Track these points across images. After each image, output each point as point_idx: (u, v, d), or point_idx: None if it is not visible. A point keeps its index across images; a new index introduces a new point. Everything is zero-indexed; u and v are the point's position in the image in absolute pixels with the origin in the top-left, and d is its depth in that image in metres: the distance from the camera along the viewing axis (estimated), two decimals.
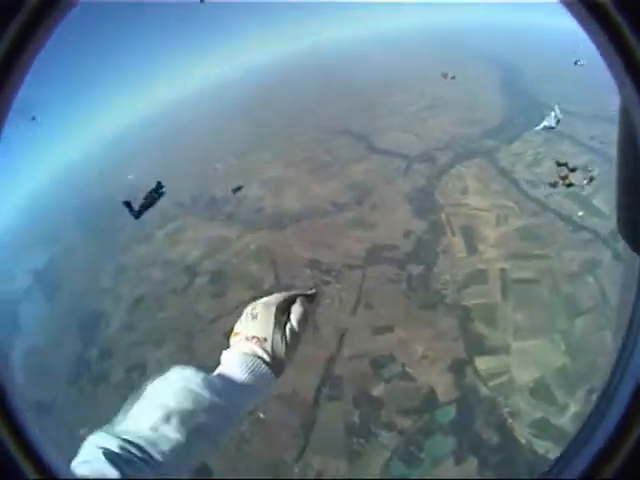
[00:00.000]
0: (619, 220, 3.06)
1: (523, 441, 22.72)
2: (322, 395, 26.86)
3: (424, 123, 57.84)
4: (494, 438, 23.10)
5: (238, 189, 42.94)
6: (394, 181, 46.94)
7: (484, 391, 24.96)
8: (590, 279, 29.66)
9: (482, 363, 25.93)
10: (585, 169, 36.49)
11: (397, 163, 49.28)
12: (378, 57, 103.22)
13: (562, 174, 33.22)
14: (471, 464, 22.77)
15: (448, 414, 24.36)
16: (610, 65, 1.95)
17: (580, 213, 34.76)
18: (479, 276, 31.98)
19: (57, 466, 1.98)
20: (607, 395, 1.97)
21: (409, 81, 73.22)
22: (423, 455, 23.30)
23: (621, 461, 1.75)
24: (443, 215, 39.53)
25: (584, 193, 35.47)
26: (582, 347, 26.03)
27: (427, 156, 50.02)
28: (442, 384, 25.95)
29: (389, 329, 29.44)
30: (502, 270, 31.70)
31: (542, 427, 23.09)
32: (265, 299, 2.52)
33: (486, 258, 33.26)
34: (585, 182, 39.70)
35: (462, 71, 60.46)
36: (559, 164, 32.09)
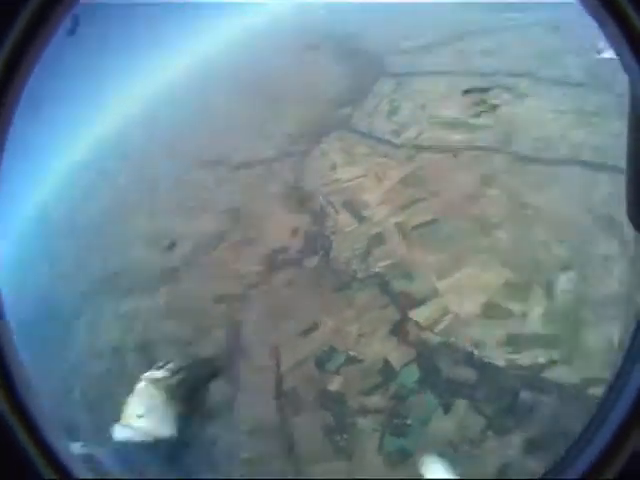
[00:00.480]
0: (630, 212, 3.76)
1: (502, 363, 21.54)
2: (285, 414, 25.65)
3: (270, 123, 58.37)
4: (470, 375, 22.00)
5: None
6: (261, 188, 47.00)
7: (434, 338, 23.88)
8: (493, 191, 29.25)
9: (419, 315, 24.87)
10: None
11: (258, 170, 49.57)
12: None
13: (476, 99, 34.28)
14: (460, 406, 21.65)
15: (412, 374, 23.22)
16: (621, 56, 2.31)
17: (458, 137, 34.68)
18: (377, 239, 31.02)
19: (73, 466, 2.65)
20: (609, 398, 2.65)
21: None
22: (410, 421, 22.34)
23: (622, 462, 2.40)
24: (321, 198, 39.29)
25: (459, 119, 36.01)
26: (514, 254, 25.34)
27: (283, 152, 50.77)
28: (391, 351, 24.95)
29: (315, 325, 28.66)
30: (397, 224, 30.95)
31: (513, 341, 22.09)
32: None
33: (377, 220, 32.36)
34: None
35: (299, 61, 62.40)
36: (466, 92, 32.48)
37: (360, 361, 25.67)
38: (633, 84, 2.84)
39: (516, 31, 44.15)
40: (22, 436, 2.50)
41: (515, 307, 23.32)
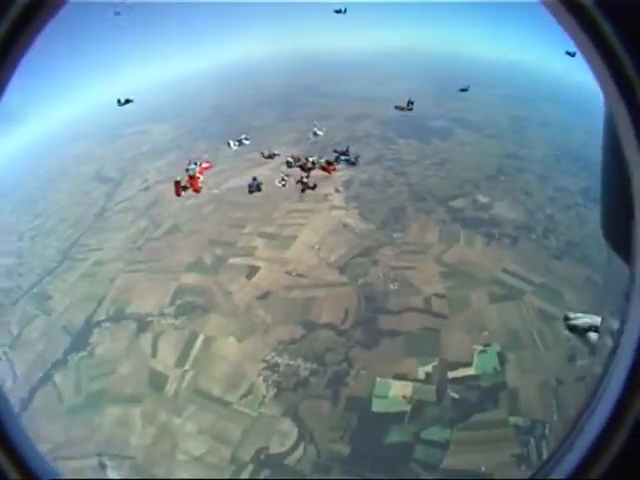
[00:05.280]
0: (604, 228, 3.85)
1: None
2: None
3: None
4: None
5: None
6: None
7: None
8: None
9: None
10: None
11: None
12: None
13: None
14: None
15: None
16: (592, 67, 2.26)
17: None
18: None
19: (40, 466, 2.59)
20: (595, 397, 2.69)
21: None
22: None
23: (609, 462, 2.46)
24: None
25: None
26: None
27: None
28: None
29: None
30: None
31: None
32: None
33: None
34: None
35: None
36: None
37: None
38: (608, 108, 2.95)
39: None
40: None
41: None
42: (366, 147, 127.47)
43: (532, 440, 56.77)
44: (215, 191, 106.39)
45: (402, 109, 66.12)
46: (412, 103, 66.37)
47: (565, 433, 2.89)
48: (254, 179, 52.79)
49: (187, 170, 36.57)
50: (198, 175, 35.95)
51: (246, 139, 65.55)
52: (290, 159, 54.65)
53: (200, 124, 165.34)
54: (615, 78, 2.29)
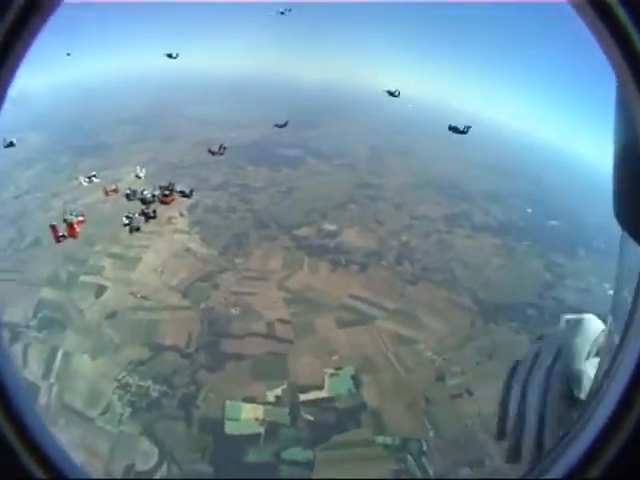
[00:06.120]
0: (617, 210, 3.64)
1: None
2: None
3: None
4: None
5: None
6: None
7: None
8: None
9: None
10: None
11: None
12: None
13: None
14: None
15: None
16: (612, 62, 2.32)
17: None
18: None
19: (64, 465, 2.51)
20: (595, 397, 2.62)
21: None
22: None
23: (606, 462, 2.39)
24: None
25: None
26: None
27: None
28: None
29: None
30: None
31: None
32: None
33: None
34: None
35: None
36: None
37: None
38: (620, 88, 2.91)
39: None
40: (10, 434, 2.36)
41: None
42: (213, 172, 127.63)
43: (409, 457, 58.02)
44: (72, 206, 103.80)
45: (214, 153, 70.32)
46: (225, 148, 71.19)
47: (563, 432, 2.77)
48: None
49: (65, 220, 35.78)
50: (75, 224, 36.15)
51: (95, 176, 72.40)
52: (129, 191, 58.19)
53: (63, 137, 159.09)
54: (633, 71, 2.22)
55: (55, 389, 66.46)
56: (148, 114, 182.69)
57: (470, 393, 58.98)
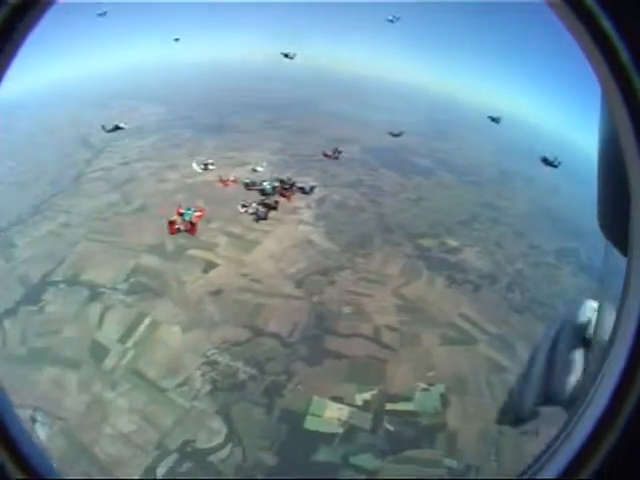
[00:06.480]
0: (601, 220, 3.90)
1: None
2: None
3: None
4: None
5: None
6: None
7: None
8: None
9: None
10: None
11: None
12: None
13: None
14: None
15: None
16: (592, 63, 2.30)
17: None
18: None
19: (43, 465, 2.58)
20: (587, 396, 2.69)
21: None
22: None
23: (601, 461, 2.47)
24: None
25: None
26: None
27: None
28: None
29: None
30: None
31: None
32: None
33: None
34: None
35: None
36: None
37: None
38: (606, 102, 2.92)
39: None
40: None
41: None
42: (346, 170, 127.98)
43: None
44: (189, 180, 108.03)
45: (328, 157, 67.51)
46: (340, 153, 68.72)
47: (557, 431, 2.89)
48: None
49: (181, 214, 38.43)
50: (194, 221, 38.47)
51: (212, 164, 69.44)
52: (247, 181, 57.82)
53: (188, 113, 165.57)
54: (614, 74, 2.32)
55: (130, 354, 67.47)
56: (282, 104, 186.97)
57: (537, 434, 60.31)
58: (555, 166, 77.57)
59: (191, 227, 36.64)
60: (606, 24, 2.22)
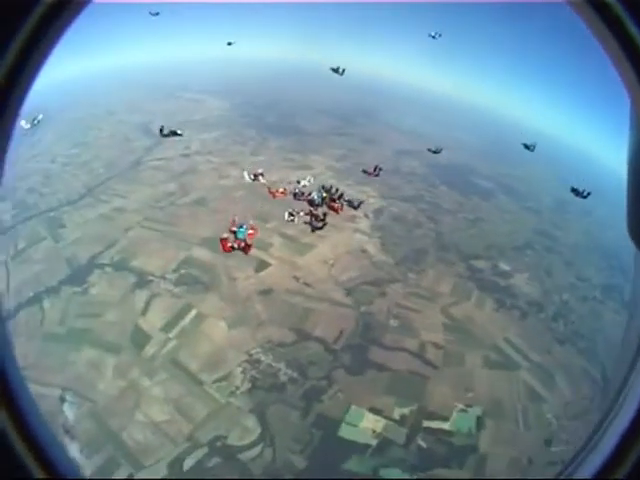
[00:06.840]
0: (631, 229, 3.70)
1: None
2: None
3: None
4: None
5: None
6: None
7: None
8: None
9: None
10: None
11: None
12: None
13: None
14: None
15: None
16: (617, 65, 2.26)
17: None
18: None
19: (63, 465, 2.58)
20: (619, 397, 2.66)
21: None
22: None
23: (634, 462, 2.39)
24: None
25: None
26: None
27: None
28: None
29: None
30: None
31: None
32: None
33: None
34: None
35: None
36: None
37: None
38: (633, 102, 2.93)
39: None
40: (13, 435, 2.56)
41: None
42: (407, 183, 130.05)
43: None
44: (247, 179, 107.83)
45: (369, 174, 67.35)
46: (380, 170, 68.06)
47: (589, 434, 3.04)
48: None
49: (234, 232, 38.42)
50: (249, 241, 38.37)
51: (262, 175, 68.38)
52: (297, 191, 56.27)
53: (252, 111, 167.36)
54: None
55: (171, 344, 67.96)
56: (350, 113, 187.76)
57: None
58: (584, 197, 77.22)
59: (245, 246, 36.70)
60: (629, 23, 2.16)
